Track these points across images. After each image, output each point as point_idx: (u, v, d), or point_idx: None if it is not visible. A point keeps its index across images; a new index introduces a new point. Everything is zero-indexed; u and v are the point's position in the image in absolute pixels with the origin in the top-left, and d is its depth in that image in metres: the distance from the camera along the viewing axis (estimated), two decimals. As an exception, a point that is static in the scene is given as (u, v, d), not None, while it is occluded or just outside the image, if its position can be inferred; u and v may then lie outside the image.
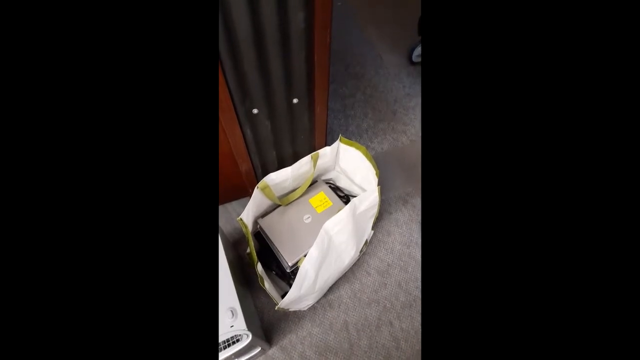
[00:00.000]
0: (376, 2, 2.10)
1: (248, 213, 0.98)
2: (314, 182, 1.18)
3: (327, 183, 1.19)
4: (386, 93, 1.66)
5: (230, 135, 0.89)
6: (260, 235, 1.10)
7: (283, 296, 0.90)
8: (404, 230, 1.25)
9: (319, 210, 1.11)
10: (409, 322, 1.09)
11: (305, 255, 0.88)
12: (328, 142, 1.08)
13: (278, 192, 1.09)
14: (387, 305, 1.11)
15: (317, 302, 1.10)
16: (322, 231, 0.86)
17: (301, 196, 1.13)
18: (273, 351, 1.04)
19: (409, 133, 1.52)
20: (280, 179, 1.03)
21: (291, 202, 1.13)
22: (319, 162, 1.08)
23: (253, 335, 0.76)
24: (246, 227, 0.95)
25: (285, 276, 1.08)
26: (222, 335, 0.73)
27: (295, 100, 0.87)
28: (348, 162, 1.15)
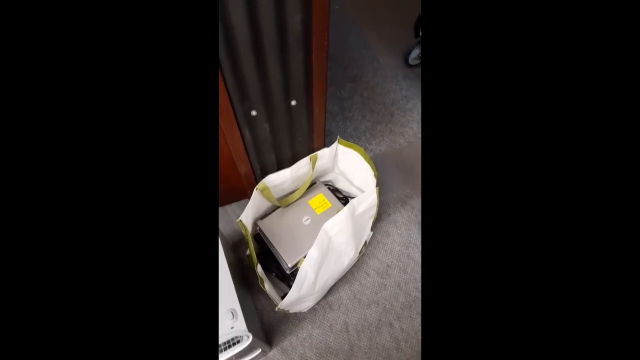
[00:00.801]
0: (373, 6, 2.11)
1: (247, 215, 0.98)
2: (312, 184, 1.19)
3: (326, 185, 1.20)
4: (384, 95, 1.66)
5: (229, 137, 0.89)
6: (259, 237, 1.10)
7: (283, 297, 0.90)
8: (402, 232, 1.26)
9: (318, 211, 1.11)
10: (409, 323, 1.09)
11: (304, 257, 0.88)
12: (327, 144, 1.09)
13: (277, 194, 1.09)
14: (387, 306, 1.12)
15: (317, 303, 1.10)
16: (321, 232, 0.86)
17: (300, 198, 1.13)
18: (273, 353, 1.04)
19: (406, 135, 1.53)
20: (279, 180, 1.03)
21: (290, 203, 1.13)
22: (318, 163, 1.08)
23: (253, 336, 0.76)
24: (246, 228, 0.95)
25: (285, 278, 1.08)
26: (223, 337, 0.73)
27: (293, 102, 0.88)
28: (347, 164, 1.16)
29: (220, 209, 1.27)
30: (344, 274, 1.13)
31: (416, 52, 1.70)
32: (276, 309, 0.92)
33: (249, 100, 0.83)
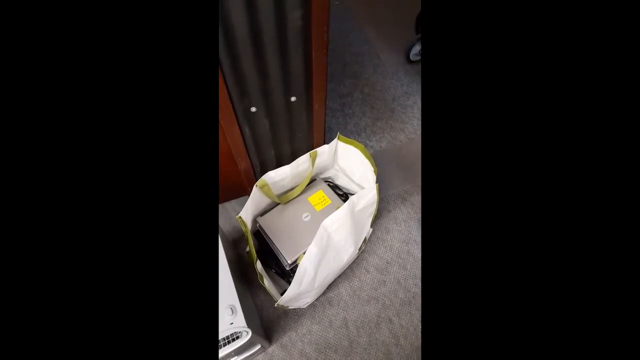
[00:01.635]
0: (374, 1, 2.10)
1: (247, 211, 0.98)
2: (312, 181, 1.19)
3: (325, 181, 1.20)
4: (384, 91, 1.66)
5: (229, 134, 0.89)
6: (259, 234, 1.11)
7: (282, 294, 0.91)
8: (402, 228, 1.26)
9: (318, 208, 1.11)
10: (408, 319, 1.09)
11: (304, 253, 0.88)
12: (327, 141, 1.09)
13: (277, 191, 1.09)
14: (387, 302, 1.12)
15: (317, 299, 1.11)
16: (320, 228, 0.86)
17: (300, 194, 1.13)
18: (273, 349, 1.04)
19: (407, 131, 1.53)
20: (279, 177, 1.03)
21: (290, 200, 1.13)
22: (318, 160, 1.08)
23: (253, 332, 0.76)
24: (245, 225, 0.95)
25: (285, 274, 1.08)
26: (222, 332, 0.74)
27: (293, 99, 0.87)
28: (346, 161, 1.16)
29: (220, 206, 1.27)
30: (343, 270, 1.14)
31: (417, 48, 1.70)
32: (275, 305, 0.92)
33: (249, 97, 0.82)
